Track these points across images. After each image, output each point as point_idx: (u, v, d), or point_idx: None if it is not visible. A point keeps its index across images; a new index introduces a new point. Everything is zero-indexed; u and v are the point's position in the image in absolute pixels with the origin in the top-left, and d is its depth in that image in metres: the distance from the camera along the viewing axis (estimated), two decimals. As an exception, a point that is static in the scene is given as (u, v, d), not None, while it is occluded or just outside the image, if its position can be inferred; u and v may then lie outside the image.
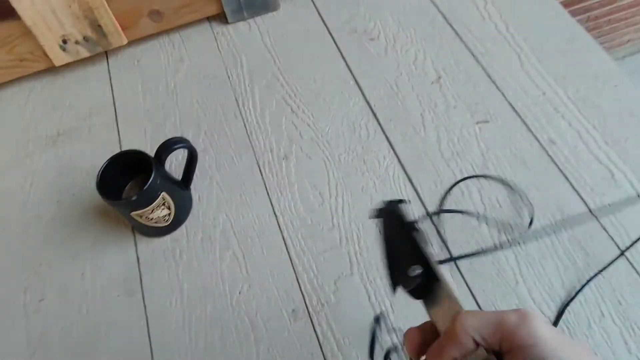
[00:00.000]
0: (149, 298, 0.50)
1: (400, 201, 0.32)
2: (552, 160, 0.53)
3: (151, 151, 0.50)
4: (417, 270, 0.28)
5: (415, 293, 0.29)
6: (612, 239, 0.48)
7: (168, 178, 0.51)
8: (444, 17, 0.67)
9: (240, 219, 0.54)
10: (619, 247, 0.47)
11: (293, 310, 0.48)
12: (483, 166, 0.54)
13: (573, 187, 0.51)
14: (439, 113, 0.58)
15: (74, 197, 0.58)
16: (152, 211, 0.47)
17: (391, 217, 0.31)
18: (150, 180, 0.45)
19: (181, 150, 0.51)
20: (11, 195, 0.59)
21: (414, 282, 0.28)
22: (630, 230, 0.48)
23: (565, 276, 0.46)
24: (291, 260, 0.51)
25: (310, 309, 0.48)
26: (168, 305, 0.50)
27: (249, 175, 0.57)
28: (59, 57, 0.66)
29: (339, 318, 0.47)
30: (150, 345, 0.48)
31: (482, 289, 0.46)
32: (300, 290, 0.49)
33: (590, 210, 0.50)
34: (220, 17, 0.72)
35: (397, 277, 0.30)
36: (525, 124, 0.56)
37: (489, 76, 0.61)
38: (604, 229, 0.48)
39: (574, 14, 1.30)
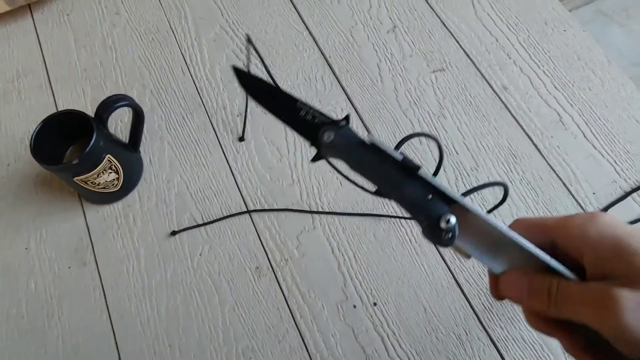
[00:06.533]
0: (104, 267, 0.48)
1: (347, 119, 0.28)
2: (505, 106, 0.54)
3: (92, 113, 0.46)
4: (451, 219, 0.24)
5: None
6: (560, 179, 0.50)
7: (113, 139, 0.47)
8: (397, -37, 0.65)
9: (196, 179, 0.51)
10: (565, 186, 0.49)
11: (257, 267, 0.47)
12: (439, 114, 0.54)
13: (524, 131, 0.53)
14: (395, 63, 0.57)
15: (9, 168, 0.53)
16: (98, 175, 0.44)
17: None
18: (92, 141, 0.41)
19: (125, 109, 0.48)
20: None
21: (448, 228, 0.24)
22: (577, 170, 0.50)
23: (517, 215, 0.48)
24: (252, 218, 0.49)
25: (274, 265, 0.47)
26: (125, 273, 0.47)
27: (202, 134, 0.54)
28: (-26, 12, 0.58)
29: (304, 272, 0.47)
30: (110, 315, 0.46)
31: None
32: (263, 247, 0.48)
33: (540, 152, 0.51)
34: (159, -35, 0.66)
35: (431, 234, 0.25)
36: (479, 71, 0.57)
37: (444, 24, 0.60)
38: (552, 169, 0.50)
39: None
